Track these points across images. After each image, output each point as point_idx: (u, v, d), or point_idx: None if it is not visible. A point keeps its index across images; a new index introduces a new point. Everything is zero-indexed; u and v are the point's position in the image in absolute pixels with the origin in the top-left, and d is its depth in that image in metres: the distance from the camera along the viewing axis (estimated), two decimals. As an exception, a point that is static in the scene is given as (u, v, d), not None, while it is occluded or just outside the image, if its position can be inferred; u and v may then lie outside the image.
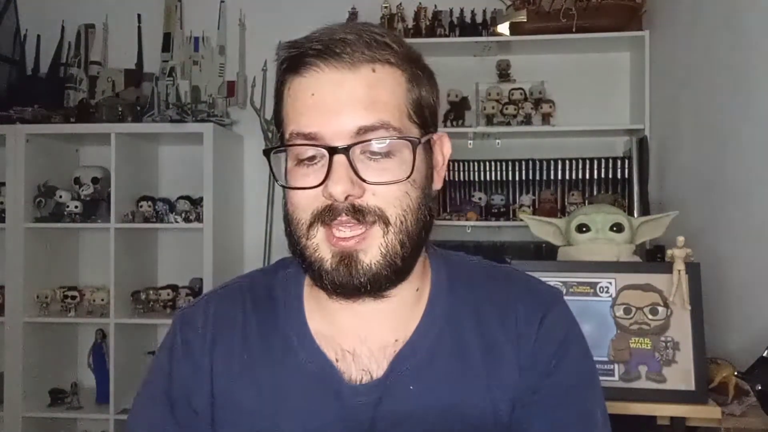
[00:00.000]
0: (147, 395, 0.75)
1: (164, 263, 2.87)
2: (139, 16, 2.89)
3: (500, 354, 0.71)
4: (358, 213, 0.64)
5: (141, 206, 2.60)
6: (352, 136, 0.63)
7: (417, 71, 0.69)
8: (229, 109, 2.81)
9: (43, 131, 2.61)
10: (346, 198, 0.63)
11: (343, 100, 0.64)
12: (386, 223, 0.65)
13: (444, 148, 0.73)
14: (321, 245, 0.66)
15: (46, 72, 2.85)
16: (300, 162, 0.66)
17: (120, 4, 2.91)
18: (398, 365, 0.70)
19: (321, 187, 0.64)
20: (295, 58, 0.66)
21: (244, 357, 0.72)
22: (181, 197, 2.64)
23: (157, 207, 2.62)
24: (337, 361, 0.70)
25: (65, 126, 2.62)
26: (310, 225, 0.66)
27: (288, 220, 0.68)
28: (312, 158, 0.65)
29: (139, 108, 2.66)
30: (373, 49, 0.65)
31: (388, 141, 0.64)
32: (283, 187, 0.69)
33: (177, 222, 2.60)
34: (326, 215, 0.64)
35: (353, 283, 0.65)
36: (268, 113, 2.77)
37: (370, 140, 0.64)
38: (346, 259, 0.65)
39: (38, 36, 2.88)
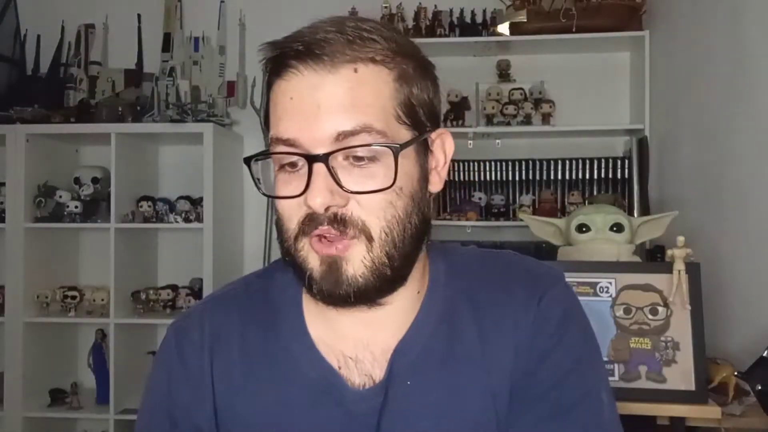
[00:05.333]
0: (148, 413, 0.74)
1: (164, 263, 2.87)
2: (139, 16, 2.89)
3: (498, 339, 0.69)
4: (340, 224, 0.61)
5: (141, 206, 2.60)
6: (332, 143, 0.60)
7: (408, 68, 0.65)
8: (229, 109, 2.81)
9: (43, 131, 2.61)
10: (327, 209, 0.61)
11: (322, 104, 0.60)
12: (369, 239, 0.62)
13: (446, 145, 0.69)
14: (308, 255, 0.63)
15: (46, 72, 2.85)
16: (282, 168, 0.64)
17: (120, 4, 2.91)
18: (396, 364, 0.68)
19: (302, 197, 0.62)
20: (276, 60, 0.63)
21: (244, 369, 0.70)
22: (181, 197, 2.64)
23: (157, 207, 2.62)
24: (339, 368, 0.69)
25: (65, 126, 2.62)
26: (296, 237, 0.63)
27: (277, 229, 0.66)
28: (294, 164, 0.63)
29: (139, 108, 2.66)
30: (356, 47, 0.61)
31: (368, 147, 0.61)
32: (266, 195, 0.67)
33: (177, 222, 2.60)
34: (307, 225, 0.62)
35: (339, 293, 0.62)
36: (268, 113, 2.76)
37: (350, 147, 0.60)
38: (333, 265, 0.62)
39: (38, 36, 2.87)
